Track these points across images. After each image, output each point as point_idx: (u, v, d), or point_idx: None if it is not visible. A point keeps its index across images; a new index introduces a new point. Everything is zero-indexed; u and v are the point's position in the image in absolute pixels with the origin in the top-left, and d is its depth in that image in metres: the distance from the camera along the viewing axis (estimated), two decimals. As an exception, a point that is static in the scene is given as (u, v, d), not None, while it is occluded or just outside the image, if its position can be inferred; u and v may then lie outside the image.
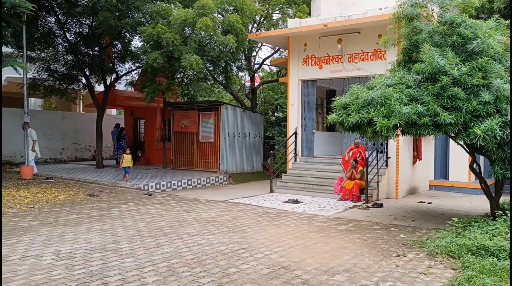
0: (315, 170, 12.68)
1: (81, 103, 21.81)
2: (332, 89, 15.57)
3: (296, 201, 10.57)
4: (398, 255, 5.41)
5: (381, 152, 11.81)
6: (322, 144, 14.21)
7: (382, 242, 6.17)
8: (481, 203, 9.65)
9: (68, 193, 10.35)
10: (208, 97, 18.24)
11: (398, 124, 6.40)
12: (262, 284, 4.25)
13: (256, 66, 19.56)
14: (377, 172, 11.10)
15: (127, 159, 12.50)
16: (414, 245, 5.98)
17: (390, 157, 11.76)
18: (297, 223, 7.61)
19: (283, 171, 14.86)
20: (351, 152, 11.59)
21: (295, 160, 13.50)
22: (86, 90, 16.92)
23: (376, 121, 6.70)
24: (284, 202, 10.58)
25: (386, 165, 11.71)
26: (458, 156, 12.49)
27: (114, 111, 24.55)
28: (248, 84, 22.76)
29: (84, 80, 15.98)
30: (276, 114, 22.81)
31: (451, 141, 10.15)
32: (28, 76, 14.53)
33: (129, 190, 11.33)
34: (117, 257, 5.16)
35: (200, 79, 14.83)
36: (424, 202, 10.72)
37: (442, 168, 13.67)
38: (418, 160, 12.63)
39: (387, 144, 11.71)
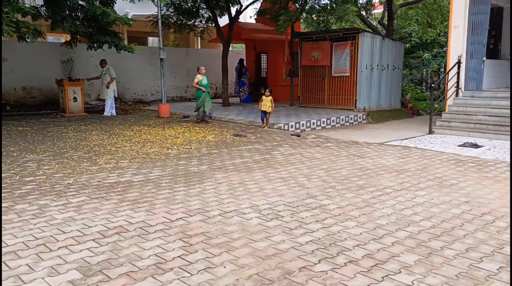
0: (487, 107, 10.54)
1: (199, 39, 21.31)
2: (500, 6, 12.73)
3: (476, 145, 8.77)
4: None
5: None
6: (488, 75, 11.81)
7: None
8: None
9: (213, 133, 9.78)
10: (348, 24, 16.28)
11: None
12: None
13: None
14: None
15: (265, 103, 10.35)
16: None
17: None
18: (517, 175, 5.98)
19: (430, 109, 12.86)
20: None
21: (457, 94, 11.39)
22: (209, 24, 16.12)
23: None
24: (458, 145, 8.85)
25: None
26: None
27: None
28: (376, 10, 20.13)
29: (208, 13, 15.07)
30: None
31: None
32: (154, 12, 14.01)
33: (272, 130, 10.47)
34: (332, 218, 4.15)
35: (337, 2, 12.86)
36: None
37: None
38: None
39: None
